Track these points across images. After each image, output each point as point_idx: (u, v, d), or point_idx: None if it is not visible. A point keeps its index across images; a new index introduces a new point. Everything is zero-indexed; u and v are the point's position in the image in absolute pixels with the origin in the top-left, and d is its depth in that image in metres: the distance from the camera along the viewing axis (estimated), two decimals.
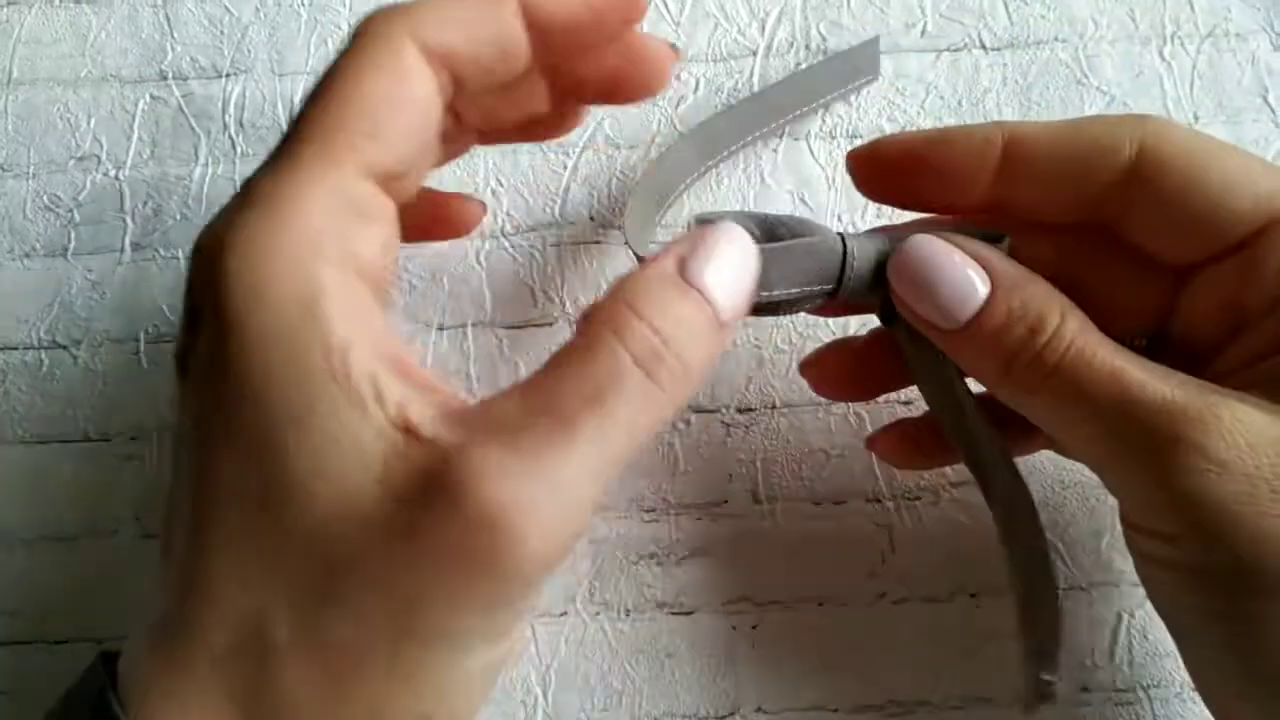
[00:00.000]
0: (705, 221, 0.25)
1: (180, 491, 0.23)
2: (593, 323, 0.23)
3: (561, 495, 0.21)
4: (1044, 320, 0.26)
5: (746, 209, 0.27)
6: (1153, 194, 0.26)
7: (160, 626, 0.23)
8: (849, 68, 0.37)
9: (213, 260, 0.22)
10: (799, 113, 0.36)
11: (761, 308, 0.27)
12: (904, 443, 0.32)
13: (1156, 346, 0.29)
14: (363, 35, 0.24)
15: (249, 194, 0.22)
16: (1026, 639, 0.28)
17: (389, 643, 0.21)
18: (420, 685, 0.22)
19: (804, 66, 0.36)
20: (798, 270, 0.26)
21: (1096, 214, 0.28)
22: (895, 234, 0.28)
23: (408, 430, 0.21)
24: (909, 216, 0.31)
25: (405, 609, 0.21)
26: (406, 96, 0.23)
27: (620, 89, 0.27)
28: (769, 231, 0.27)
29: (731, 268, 0.24)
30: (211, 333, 0.22)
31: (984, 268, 0.27)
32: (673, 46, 0.27)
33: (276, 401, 0.21)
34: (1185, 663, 0.28)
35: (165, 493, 0.34)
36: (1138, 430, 0.24)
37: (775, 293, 0.26)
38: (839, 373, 0.32)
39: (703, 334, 0.23)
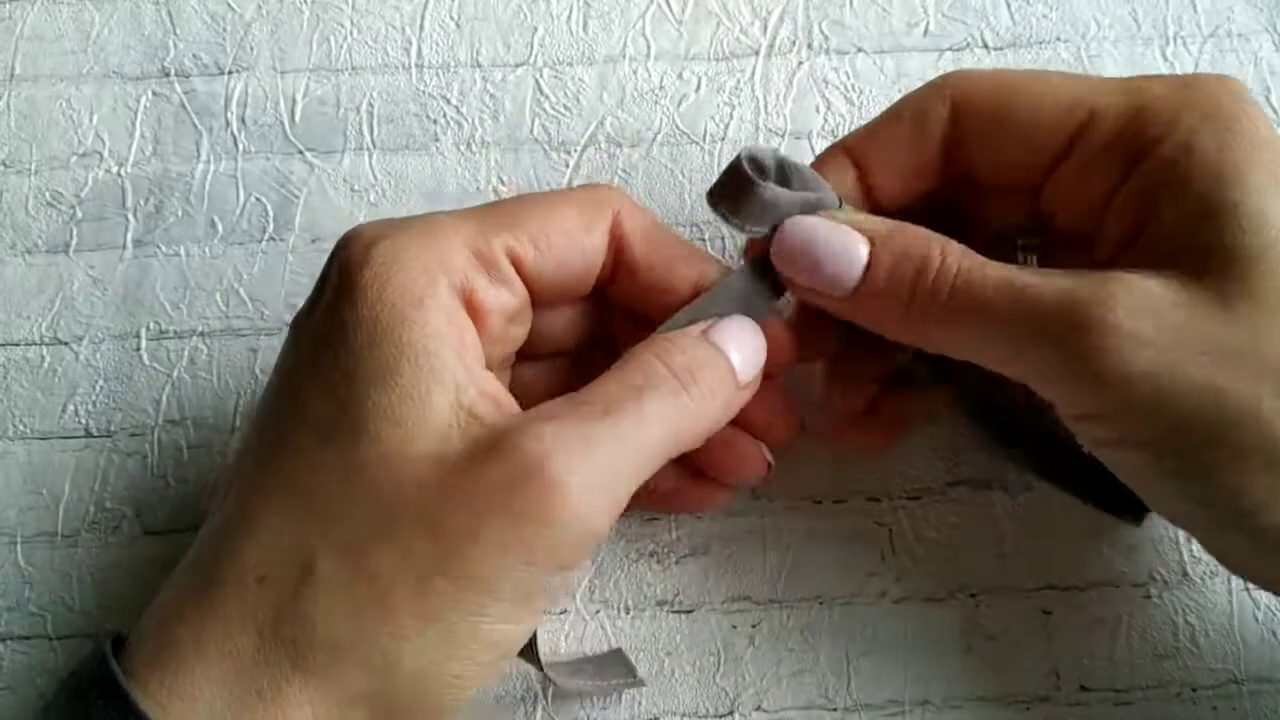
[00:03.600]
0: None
1: (252, 436, 0.27)
2: (633, 350, 0.27)
3: (598, 463, 0.25)
4: (927, 257, 0.27)
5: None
6: (977, 136, 0.29)
7: (180, 576, 0.26)
8: (609, 673, 0.33)
9: (364, 246, 0.26)
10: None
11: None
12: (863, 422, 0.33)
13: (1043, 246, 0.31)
14: (588, 188, 0.30)
15: (418, 217, 0.28)
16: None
17: (423, 579, 0.24)
18: (437, 630, 0.24)
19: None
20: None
21: (947, 170, 0.30)
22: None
23: (473, 415, 0.25)
24: None
25: (448, 548, 0.24)
26: (579, 242, 0.29)
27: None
28: (781, 169, 0.29)
29: (744, 345, 0.28)
30: (335, 297, 0.26)
31: (859, 229, 0.28)
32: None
33: (372, 360, 0.25)
34: (1157, 511, 0.30)
35: (165, 490, 0.35)
36: (1047, 327, 0.26)
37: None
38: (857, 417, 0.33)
39: (724, 378, 0.27)
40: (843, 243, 0.28)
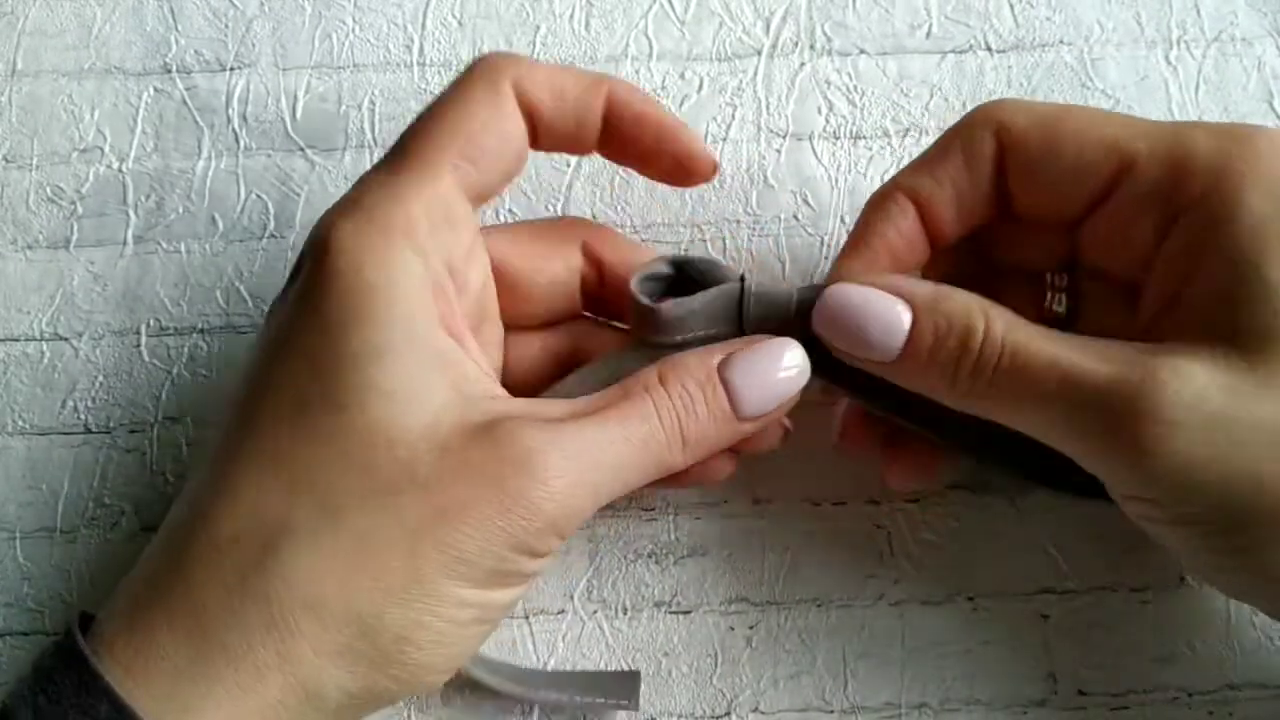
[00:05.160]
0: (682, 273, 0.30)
1: (228, 414, 0.27)
2: (635, 380, 0.28)
3: (581, 463, 0.26)
4: (970, 328, 0.27)
5: (668, 255, 0.31)
6: (1020, 170, 0.29)
7: (152, 546, 0.26)
8: (609, 689, 0.33)
9: (328, 230, 0.26)
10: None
11: (677, 345, 0.30)
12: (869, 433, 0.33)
13: (1077, 287, 0.31)
14: (476, 70, 0.29)
15: (364, 186, 0.27)
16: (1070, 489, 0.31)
17: (413, 542, 0.24)
18: (420, 594, 0.25)
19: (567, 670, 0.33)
20: (706, 316, 0.30)
21: (997, 203, 0.30)
22: (810, 285, 0.30)
23: (465, 396, 0.26)
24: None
25: (438, 518, 0.24)
26: (503, 130, 0.28)
27: (664, 178, 0.32)
28: (679, 268, 0.30)
29: (763, 381, 0.28)
30: (308, 281, 0.26)
31: (900, 295, 0.28)
32: (714, 166, 0.32)
33: (359, 338, 0.25)
34: (1206, 581, 0.31)
35: (164, 486, 0.35)
36: (1091, 413, 0.26)
37: (689, 335, 0.30)
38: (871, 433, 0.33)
39: (713, 422, 0.28)
40: (885, 309, 0.28)
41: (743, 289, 0.29)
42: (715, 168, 0.31)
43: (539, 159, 0.39)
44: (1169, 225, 0.27)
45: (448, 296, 0.27)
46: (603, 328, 0.33)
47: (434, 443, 0.25)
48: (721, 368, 0.28)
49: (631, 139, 0.30)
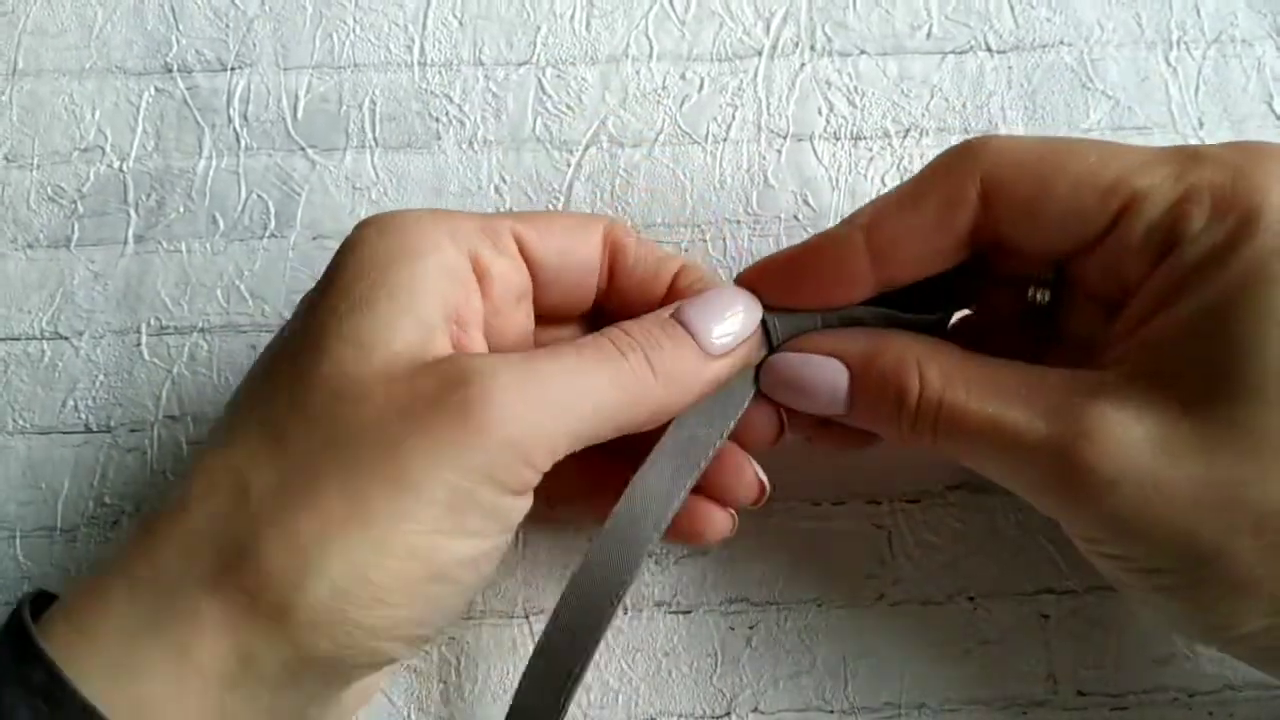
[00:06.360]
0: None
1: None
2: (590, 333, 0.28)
3: (536, 381, 0.25)
4: (904, 383, 0.27)
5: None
6: (1008, 217, 0.27)
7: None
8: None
9: (375, 218, 0.28)
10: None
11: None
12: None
13: (1058, 295, 0.30)
14: (589, 217, 0.31)
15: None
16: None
17: (358, 485, 0.24)
18: (365, 536, 0.24)
19: None
20: None
21: (977, 244, 0.28)
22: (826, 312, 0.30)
23: (426, 345, 0.26)
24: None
25: (383, 453, 0.24)
26: (581, 264, 0.30)
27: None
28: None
29: (719, 314, 0.29)
30: (338, 257, 0.27)
31: (836, 354, 0.29)
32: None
33: (355, 293, 0.26)
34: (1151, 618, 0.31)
35: (164, 486, 0.35)
36: (1030, 468, 0.26)
37: None
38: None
39: (680, 354, 0.28)
40: (823, 375, 0.29)
41: (766, 327, 0.30)
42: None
43: (539, 157, 0.39)
44: (1163, 257, 0.26)
45: (467, 291, 0.28)
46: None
47: (384, 383, 0.25)
48: (675, 313, 0.29)
49: None
